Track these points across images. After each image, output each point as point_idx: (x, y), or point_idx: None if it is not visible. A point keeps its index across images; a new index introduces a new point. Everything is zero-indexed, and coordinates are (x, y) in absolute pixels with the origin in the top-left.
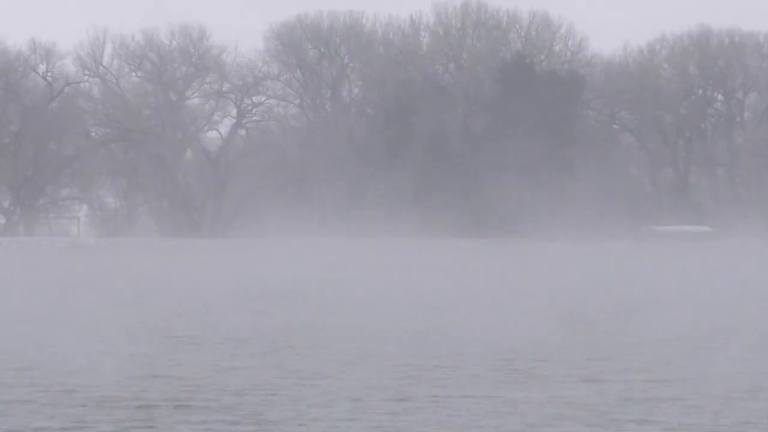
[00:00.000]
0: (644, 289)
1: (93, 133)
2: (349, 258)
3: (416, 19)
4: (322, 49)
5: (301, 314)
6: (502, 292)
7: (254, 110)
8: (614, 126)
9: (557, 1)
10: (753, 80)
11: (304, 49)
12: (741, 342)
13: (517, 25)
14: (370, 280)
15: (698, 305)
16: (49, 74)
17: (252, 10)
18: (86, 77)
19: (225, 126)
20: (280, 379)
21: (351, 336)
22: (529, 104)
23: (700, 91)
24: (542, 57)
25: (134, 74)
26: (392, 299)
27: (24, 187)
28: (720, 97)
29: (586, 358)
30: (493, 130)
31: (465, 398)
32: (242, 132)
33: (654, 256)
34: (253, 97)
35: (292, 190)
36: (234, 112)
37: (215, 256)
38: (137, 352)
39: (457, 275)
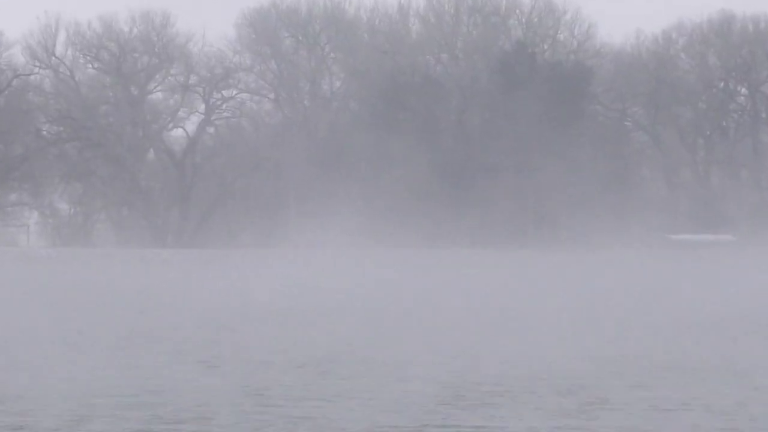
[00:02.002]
0: (683, 306)
1: (44, 132)
2: (337, 270)
3: (405, 4)
4: (300, 38)
5: (302, 333)
6: (533, 308)
7: (224, 105)
8: (626, 123)
9: None
10: None
11: (280, 37)
12: None
13: (517, 11)
14: (375, 293)
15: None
16: None
17: None
18: (37, 69)
19: (192, 123)
20: (265, 406)
21: (370, 356)
22: (531, 99)
23: (722, 84)
24: (545, 46)
25: (90, 66)
26: (410, 314)
27: None
28: (744, 90)
29: (658, 382)
30: (491, 127)
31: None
32: (211, 130)
33: (673, 266)
34: (222, 91)
35: (267, 195)
36: (202, 107)
37: (182, 269)
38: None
39: (470, 288)
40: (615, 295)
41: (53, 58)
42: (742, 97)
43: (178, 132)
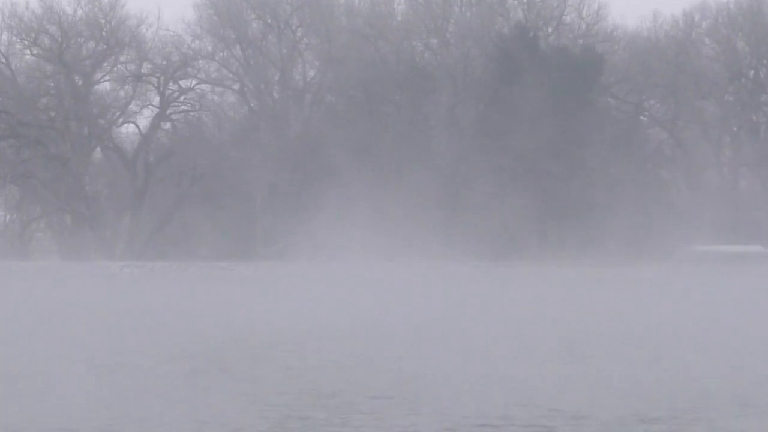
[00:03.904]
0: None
1: None
2: (316, 288)
3: None
4: (269, 20)
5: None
6: (569, 333)
7: (182, 98)
8: (642, 118)
9: None
10: None
11: (246, 19)
12: None
13: None
14: (367, 314)
15: None
16: None
17: None
18: None
19: (144, 118)
20: None
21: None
22: (533, 90)
23: (751, 74)
24: (549, 30)
25: (29, 52)
26: (435, 336)
27: None
28: None
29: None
30: (487, 123)
31: None
32: (166, 125)
33: (703, 281)
34: (180, 81)
35: (230, 200)
36: (156, 100)
37: (133, 285)
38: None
39: (477, 306)
40: (659, 318)
41: None
42: None
43: (129, 128)
